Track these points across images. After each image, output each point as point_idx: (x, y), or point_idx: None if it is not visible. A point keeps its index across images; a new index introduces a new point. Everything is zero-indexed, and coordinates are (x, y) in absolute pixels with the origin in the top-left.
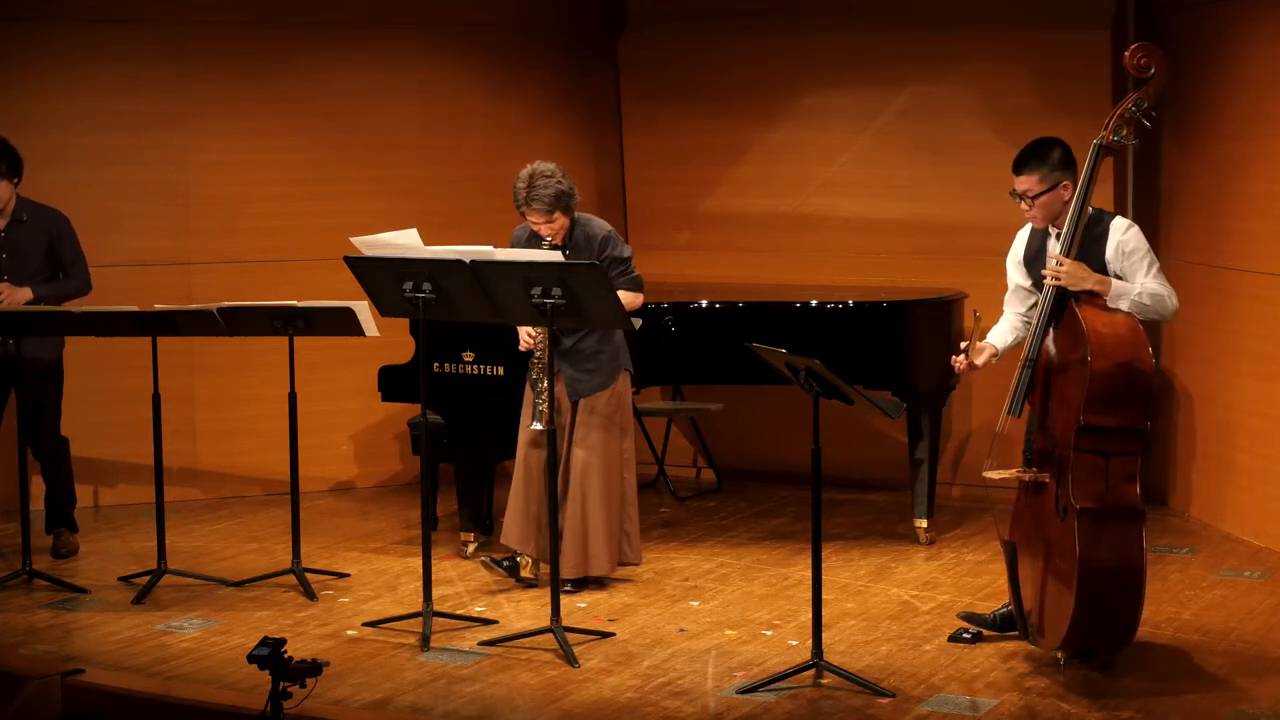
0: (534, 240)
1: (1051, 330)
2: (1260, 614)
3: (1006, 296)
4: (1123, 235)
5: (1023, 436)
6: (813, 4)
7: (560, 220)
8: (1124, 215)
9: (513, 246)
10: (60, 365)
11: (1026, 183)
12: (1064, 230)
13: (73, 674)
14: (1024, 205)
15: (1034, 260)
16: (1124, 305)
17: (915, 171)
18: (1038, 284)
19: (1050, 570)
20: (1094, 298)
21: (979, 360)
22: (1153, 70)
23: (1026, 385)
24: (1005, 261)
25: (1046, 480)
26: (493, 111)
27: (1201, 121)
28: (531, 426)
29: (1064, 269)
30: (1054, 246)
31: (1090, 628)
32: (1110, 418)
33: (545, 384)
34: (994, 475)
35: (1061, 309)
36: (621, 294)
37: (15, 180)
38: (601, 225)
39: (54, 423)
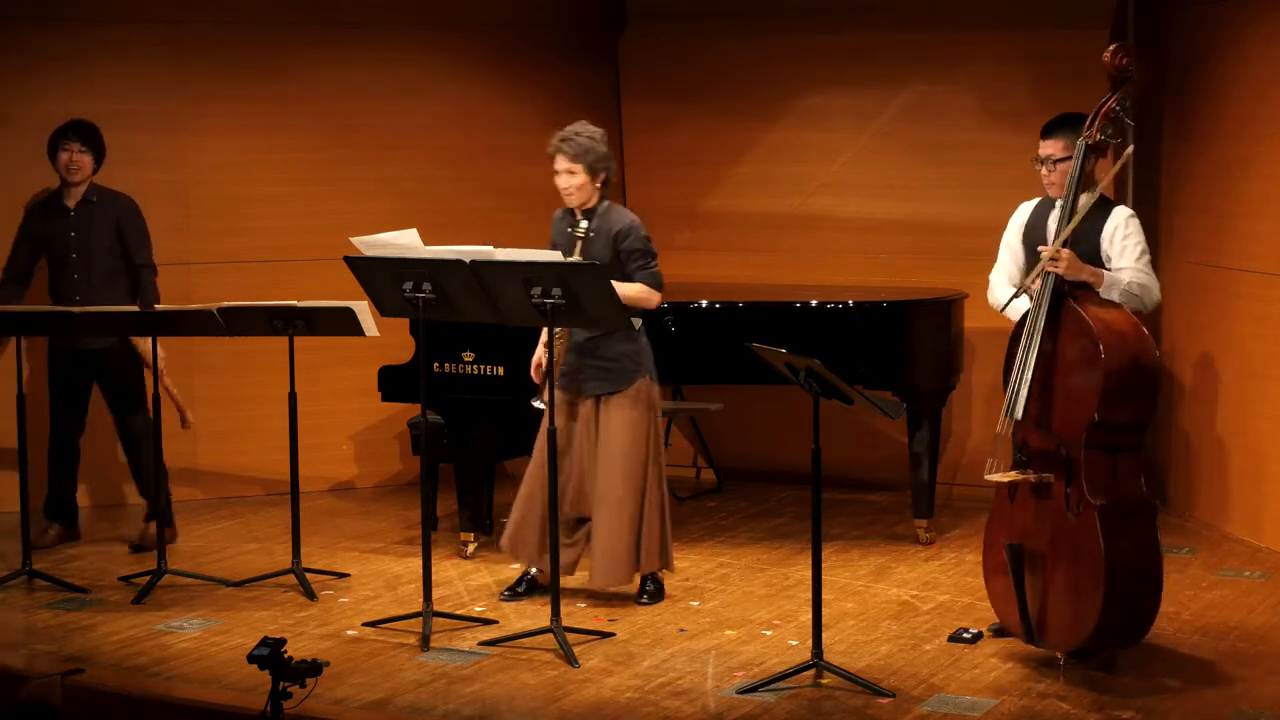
0: (564, 227)
1: (1048, 329)
2: (1260, 614)
3: (997, 271)
4: (1124, 218)
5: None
6: (813, 4)
7: (581, 178)
8: None
9: (553, 229)
10: (116, 357)
11: (1052, 147)
12: (1059, 222)
13: (73, 674)
14: (1044, 170)
15: (1033, 231)
16: (1115, 295)
17: (915, 171)
18: (1030, 256)
19: (1064, 570)
20: (1088, 292)
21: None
22: (1132, 69)
23: (1029, 385)
24: (1003, 239)
25: (1051, 481)
26: (493, 111)
27: (1201, 121)
28: (533, 403)
29: (1065, 255)
30: (1054, 219)
31: (1115, 623)
32: (1123, 413)
33: (556, 357)
34: (998, 478)
35: (1057, 307)
36: (636, 288)
37: (96, 162)
38: (626, 216)
39: (136, 409)
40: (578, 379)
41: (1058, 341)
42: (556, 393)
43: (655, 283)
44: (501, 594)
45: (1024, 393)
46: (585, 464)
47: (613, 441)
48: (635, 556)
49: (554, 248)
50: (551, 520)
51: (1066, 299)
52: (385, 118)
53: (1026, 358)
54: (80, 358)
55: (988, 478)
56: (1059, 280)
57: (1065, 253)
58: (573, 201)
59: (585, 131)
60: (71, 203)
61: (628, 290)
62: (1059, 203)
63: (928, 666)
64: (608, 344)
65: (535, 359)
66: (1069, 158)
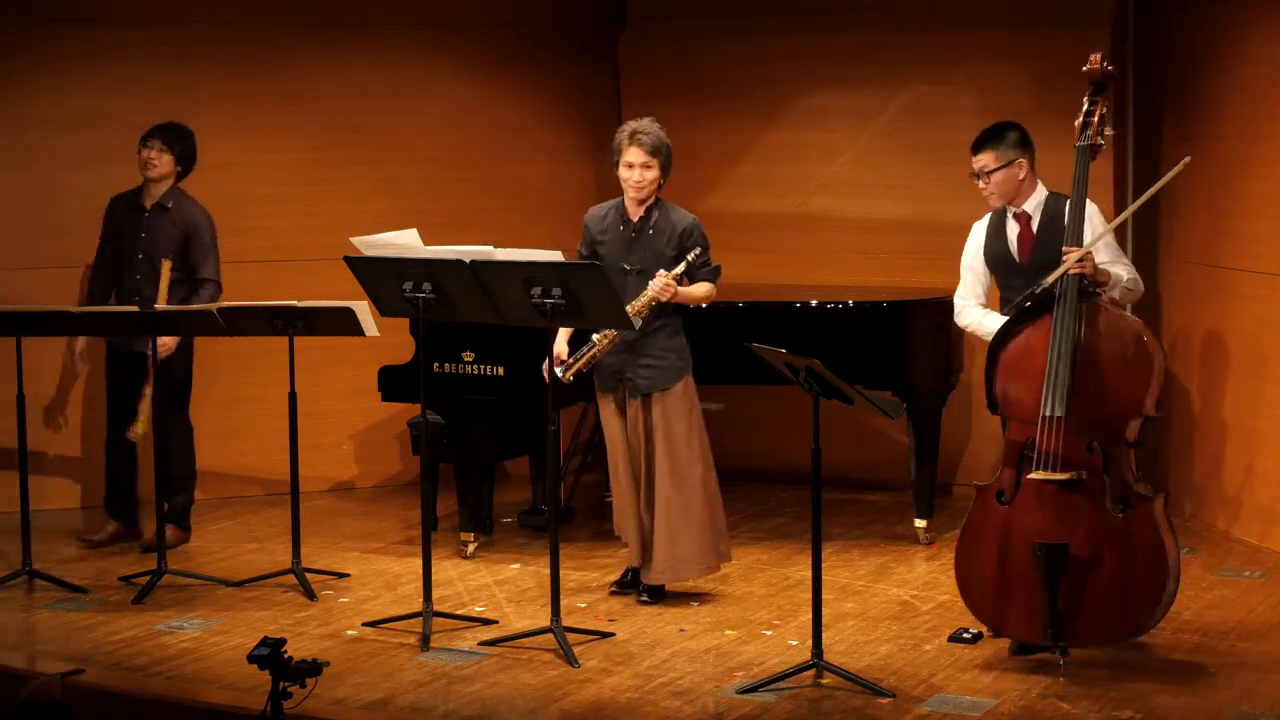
0: (615, 224)
1: (1079, 329)
2: (1260, 614)
3: (962, 294)
4: (1090, 212)
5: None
6: (813, 4)
7: (654, 173)
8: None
9: (594, 226)
10: (173, 358)
11: (983, 160)
12: (1071, 222)
13: (73, 674)
14: (981, 184)
15: (993, 246)
16: (1116, 294)
17: (915, 171)
18: (996, 270)
19: (1111, 566)
20: (1104, 291)
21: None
22: (1115, 74)
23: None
24: (962, 262)
25: (1084, 478)
26: (493, 111)
27: (1201, 121)
28: (554, 369)
29: (1091, 256)
30: (1013, 227)
31: (1161, 608)
32: (1155, 408)
33: (595, 342)
34: (1042, 476)
35: (1084, 306)
36: (704, 288)
37: (180, 164)
38: (687, 214)
39: (181, 410)
40: (627, 377)
41: (1095, 341)
42: (602, 393)
43: (716, 278)
44: (611, 588)
45: (1064, 390)
46: (641, 462)
47: (666, 440)
48: (707, 547)
49: (594, 246)
50: (552, 515)
51: (1093, 298)
52: (385, 118)
53: (1060, 356)
54: (138, 359)
55: (1031, 477)
56: (1080, 280)
57: (1090, 254)
58: (641, 196)
59: (655, 127)
60: (148, 203)
61: (696, 291)
62: (1010, 211)
63: (928, 666)
64: (656, 340)
65: (546, 365)
66: (1000, 167)
